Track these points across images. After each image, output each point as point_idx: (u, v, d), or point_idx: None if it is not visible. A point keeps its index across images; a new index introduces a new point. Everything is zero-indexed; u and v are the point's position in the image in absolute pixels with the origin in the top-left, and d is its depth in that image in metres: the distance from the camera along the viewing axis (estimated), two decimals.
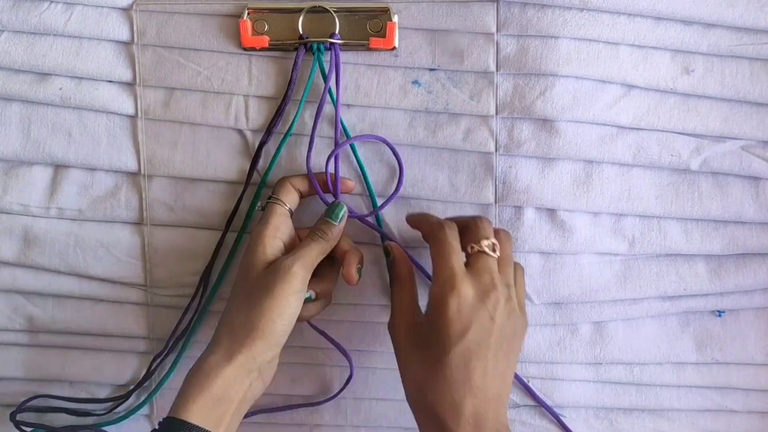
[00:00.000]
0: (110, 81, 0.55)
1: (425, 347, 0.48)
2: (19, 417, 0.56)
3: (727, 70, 0.55)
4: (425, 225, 0.52)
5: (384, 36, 0.54)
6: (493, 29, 0.54)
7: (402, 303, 0.51)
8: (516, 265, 0.52)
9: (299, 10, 0.54)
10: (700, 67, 0.55)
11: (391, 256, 0.52)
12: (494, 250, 0.50)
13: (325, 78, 0.54)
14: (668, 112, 0.56)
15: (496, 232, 0.51)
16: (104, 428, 0.58)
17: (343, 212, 0.52)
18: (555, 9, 0.54)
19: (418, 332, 0.49)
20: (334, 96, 0.54)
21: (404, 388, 0.49)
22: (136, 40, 0.54)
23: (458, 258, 0.49)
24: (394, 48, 0.54)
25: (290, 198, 0.53)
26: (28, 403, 0.58)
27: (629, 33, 0.54)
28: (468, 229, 0.50)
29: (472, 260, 0.49)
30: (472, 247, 0.49)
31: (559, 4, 0.53)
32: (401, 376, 0.49)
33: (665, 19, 0.54)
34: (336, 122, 0.54)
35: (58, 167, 0.56)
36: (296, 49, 0.54)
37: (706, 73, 0.55)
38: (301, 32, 0.54)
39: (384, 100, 0.55)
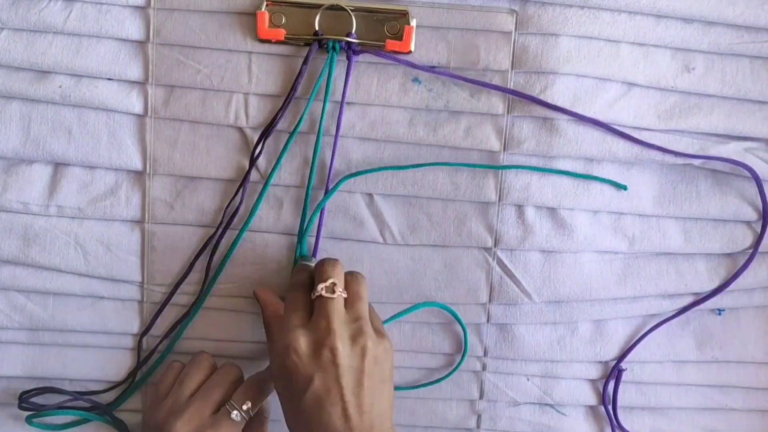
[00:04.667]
0: (110, 79, 0.54)
1: (288, 391, 0.49)
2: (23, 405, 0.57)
3: (728, 68, 0.56)
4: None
5: (401, 39, 0.53)
6: (511, 27, 0.54)
7: (271, 346, 0.52)
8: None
9: (317, 7, 0.54)
10: (701, 66, 0.55)
11: (259, 301, 0.55)
12: (333, 291, 0.50)
13: (331, 77, 0.54)
14: (670, 110, 0.56)
15: (347, 274, 0.52)
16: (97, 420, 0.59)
17: None
18: (555, 7, 0.54)
19: (282, 378, 0.50)
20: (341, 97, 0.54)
21: (285, 422, 0.51)
22: (152, 38, 0.54)
23: (299, 312, 0.50)
24: (410, 52, 0.54)
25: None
26: (32, 398, 0.58)
27: (630, 31, 0.54)
28: (315, 277, 0.52)
29: (314, 308, 0.50)
30: (312, 295, 0.50)
31: (560, 2, 0.53)
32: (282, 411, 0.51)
33: (666, 17, 0.54)
34: (338, 123, 0.55)
35: (58, 165, 0.56)
36: (309, 44, 0.54)
37: (706, 71, 0.55)
38: (317, 28, 0.54)
39: (384, 98, 0.55)
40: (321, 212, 0.56)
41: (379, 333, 0.51)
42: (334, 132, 0.55)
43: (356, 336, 0.49)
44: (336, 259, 0.52)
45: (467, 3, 0.54)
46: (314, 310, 0.50)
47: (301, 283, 0.52)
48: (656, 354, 0.60)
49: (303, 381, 0.48)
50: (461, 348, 0.59)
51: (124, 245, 0.57)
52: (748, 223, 0.58)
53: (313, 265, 0.54)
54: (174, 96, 0.55)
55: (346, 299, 0.51)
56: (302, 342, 0.48)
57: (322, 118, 0.55)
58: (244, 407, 0.52)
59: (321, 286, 0.50)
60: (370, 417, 0.48)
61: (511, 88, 0.55)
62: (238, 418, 0.51)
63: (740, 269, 0.58)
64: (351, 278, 0.52)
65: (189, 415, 0.51)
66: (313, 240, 0.56)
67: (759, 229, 0.58)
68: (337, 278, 0.51)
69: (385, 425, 0.49)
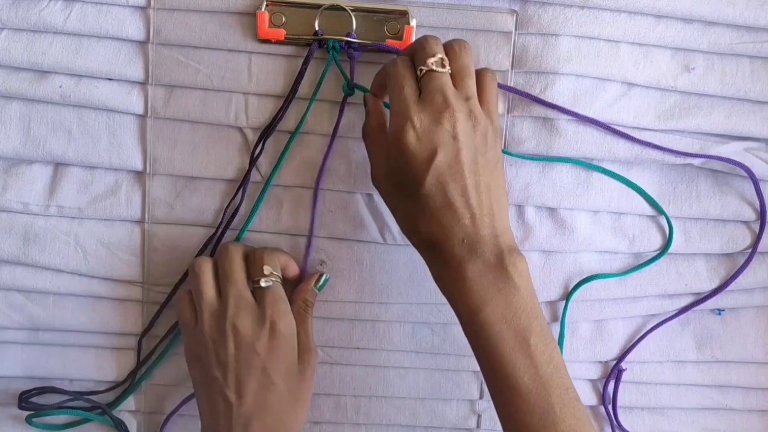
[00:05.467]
0: (110, 79, 0.54)
1: (403, 187, 0.48)
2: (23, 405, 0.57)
3: (728, 69, 0.55)
4: (382, 74, 0.51)
5: (401, 39, 0.54)
6: (511, 27, 0.54)
7: (376, 154, 0.50)
8: (483, 73, 0.50)
9: (317, 7, 0.54)
10: (701, 66, 0.55)
11: (367, 107, 0.52)
12: (443, 66, 0.47)
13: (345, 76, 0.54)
14: (670, 110, 0.56)
15: (448, 45, 0.49)
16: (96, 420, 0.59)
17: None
18: (555, 6, 0.54)
19: (394, 174, 0.48)
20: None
21: (400, 228, 0.50)
22: (152, 38, 0.54)
23: (410, 87, 0.47)
24: None
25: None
26: (32, 398, 0.58)
27: (630, 31, 0.54)
28: (415, 53, 0.48)
29: (423, 83, 0.47)
30: (420, 70, 0.47)
31: (560, 2, 0.53)
32: (395, 219, 0.50)
33: (666, 17, 0.54)
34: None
35: (58, 165, 0.56)
36: (309, 44, 0.54)
37: (706, 71, 0.55)
38: (317, 28, 0.54)
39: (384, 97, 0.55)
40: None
41: (491, 114, 0.49)
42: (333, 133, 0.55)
43: (471, 112, 0.47)
44: (435, 37, 0.49)
45: (467, 3, 0.54)
46: (423, 85, 0.47)
47: (402, 62, 0.48)
48: (656, 354, 0.60)
49: (423, 159, 0.46)
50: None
51: (124, 245, 0.57)
52: (747, 223, 0.58)
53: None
54: (174, 96, 0.55)
55: (451, 75, 0.48)
56: (422, 116, 0.46)
57: (339, 117, 0.55)
58: (266, 272, 0.52)
59: (431, 60, 0.47)
60: (489, 199, 0.46)
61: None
62: (269, 283, 0.52)
63: (739, 269, 0.58)
64: (456, 51, 0.48)
65: (235, 308, 0.51)
66: None
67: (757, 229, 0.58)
68: (441, 54, 0.47)
69: (502, 212, 0.47)
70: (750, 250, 0.58)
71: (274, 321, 0.51)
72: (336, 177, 0.56)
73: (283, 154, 0.55)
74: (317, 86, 0.54)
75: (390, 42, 0.54)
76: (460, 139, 0.46)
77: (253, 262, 0.53)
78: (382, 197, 0.50)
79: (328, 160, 0.55)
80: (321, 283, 0.56)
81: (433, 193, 0.46)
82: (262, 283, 0.51)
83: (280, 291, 0.53)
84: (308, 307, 0.55)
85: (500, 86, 0.54)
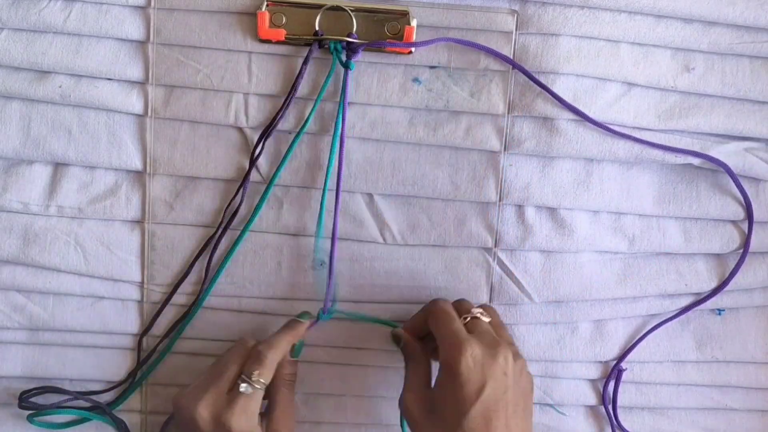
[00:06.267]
0: (110, 79, 0.54)
1: (441, 416, 0.48)
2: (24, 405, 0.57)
3: (728, 68, 0.56)
4: (420, 315, 0.54)
5: (401, 39, 0.53)
6: (511, 27, 0.54)
7: (415, 377, 0.52)
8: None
9: (318, 7, 0.54)
10: (701, 66, 0.55)
11: (401, 342, 0.54)
12: (485, 315, 0.52)
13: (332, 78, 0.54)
14: (670, 110, 0.56)
15: (482, 306, 0.54)
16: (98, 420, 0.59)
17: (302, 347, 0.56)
18: (555, 6, 0.54)
19: (432, 402, 0.50)
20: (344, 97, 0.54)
21: None
22: (152, 38, 0.54)
23: (458, 323, 0.51)
24: (411, 52, 0.54)
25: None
26: (32, 397, 0.58)
27: (630, 31, 0.54)
28: (458, 306, 0.53)
29: (470, 327, 0.51)
30: (465, 318, 0.52)
31: (560, 2, 0.53)
32: None
33: (666, 17, 0.54)
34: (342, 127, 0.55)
35: (58, 165, 0.56)
36: (309, 45, 0.54)
37: (706, 71, 0.55)
38: (317, 29, 0.54)
39: (384, 98, 0.55)
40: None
41: (526, 365, 0.51)
42: (334, 132, 0.55)
43: (516, 356, 0.50)
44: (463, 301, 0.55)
45: (467, 3, 0.54)
46: (470, 328, 0.51)
47: (445, 304, 0.53)
48: (656, 354, 0.60)
49: (474, 388, 0.47)
50: None
51: (124, 245, 0.57)
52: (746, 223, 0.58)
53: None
54: (174, 96, 0.55)
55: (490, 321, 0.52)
56: (476, 347, 0.48)
57: (339, 117, 0.55)
58: (253, 377, 0.51)
59: (476, 310, 0.52)
60: None
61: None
62: (249, 390, 0.50)
63: (734, 269, 0.58)
64: (492, 309, 0.55)
65: (208, 396, 0.50)
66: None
67: (757, 229, 0.58)
68: (479, 308, 0.53)
69: None
70: (750, 250, 0.58)
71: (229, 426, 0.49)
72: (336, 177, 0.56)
73: (287, 154, 0.55)
74: (323, 87, 0.54)
75: (391, 42, 0.54)
76: (509, 376, 0.48)
77: (253, 358, 0.52)
78: (408, 420, 0.51)
79: (342, 164, 0.55)
80: (295, 350, 0.55)
81: (476, 425, 0.47)
82: (242, 388, 0.50)
83: (254, 403, 0.51)
84: (288, 381, 0.54)
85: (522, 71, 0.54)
